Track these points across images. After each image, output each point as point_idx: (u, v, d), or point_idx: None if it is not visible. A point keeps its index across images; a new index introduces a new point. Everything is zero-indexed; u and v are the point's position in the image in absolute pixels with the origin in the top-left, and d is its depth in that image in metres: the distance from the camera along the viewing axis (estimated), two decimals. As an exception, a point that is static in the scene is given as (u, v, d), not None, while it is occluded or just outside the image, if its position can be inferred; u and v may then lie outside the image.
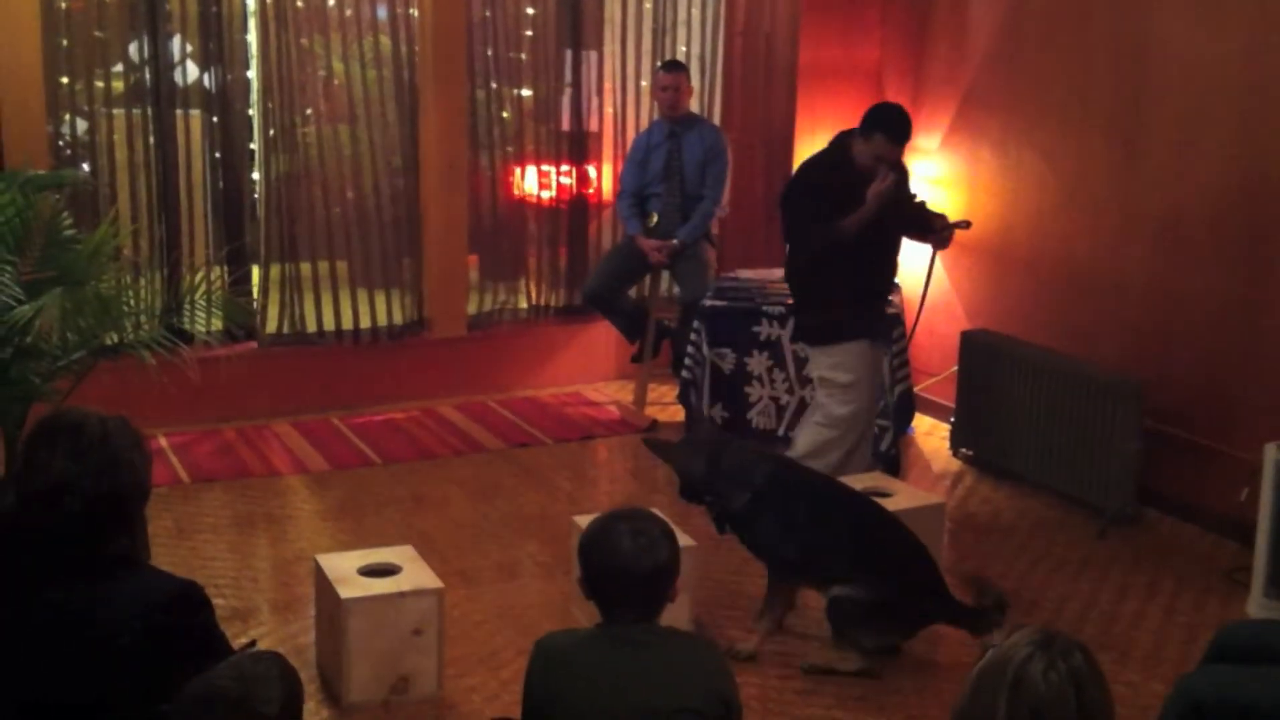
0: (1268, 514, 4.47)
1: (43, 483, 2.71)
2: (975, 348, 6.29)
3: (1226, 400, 5.44)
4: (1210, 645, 3.54)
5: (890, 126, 5.17)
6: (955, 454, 6.42)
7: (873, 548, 4.25)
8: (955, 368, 6.44)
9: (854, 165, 5.20)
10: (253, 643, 4.30)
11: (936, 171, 6.96)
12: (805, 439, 5.40)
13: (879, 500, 4.70)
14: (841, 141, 5.32)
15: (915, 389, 6.49)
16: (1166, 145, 5.65)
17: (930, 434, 6.75)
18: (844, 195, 5.17)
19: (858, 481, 4.96)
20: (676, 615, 3.89)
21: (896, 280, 5.76)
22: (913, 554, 4.28)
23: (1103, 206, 5.97)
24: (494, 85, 7.23)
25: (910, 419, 6.34)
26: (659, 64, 7.14)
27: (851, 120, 6.88)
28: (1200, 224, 5.51)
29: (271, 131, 6.70)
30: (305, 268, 6.93)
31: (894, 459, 5.99)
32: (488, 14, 7.12)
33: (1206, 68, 5.45)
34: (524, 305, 7.48)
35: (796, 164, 7.20)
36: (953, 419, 6.48)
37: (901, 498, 4.93)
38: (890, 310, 5.81)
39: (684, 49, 7.62)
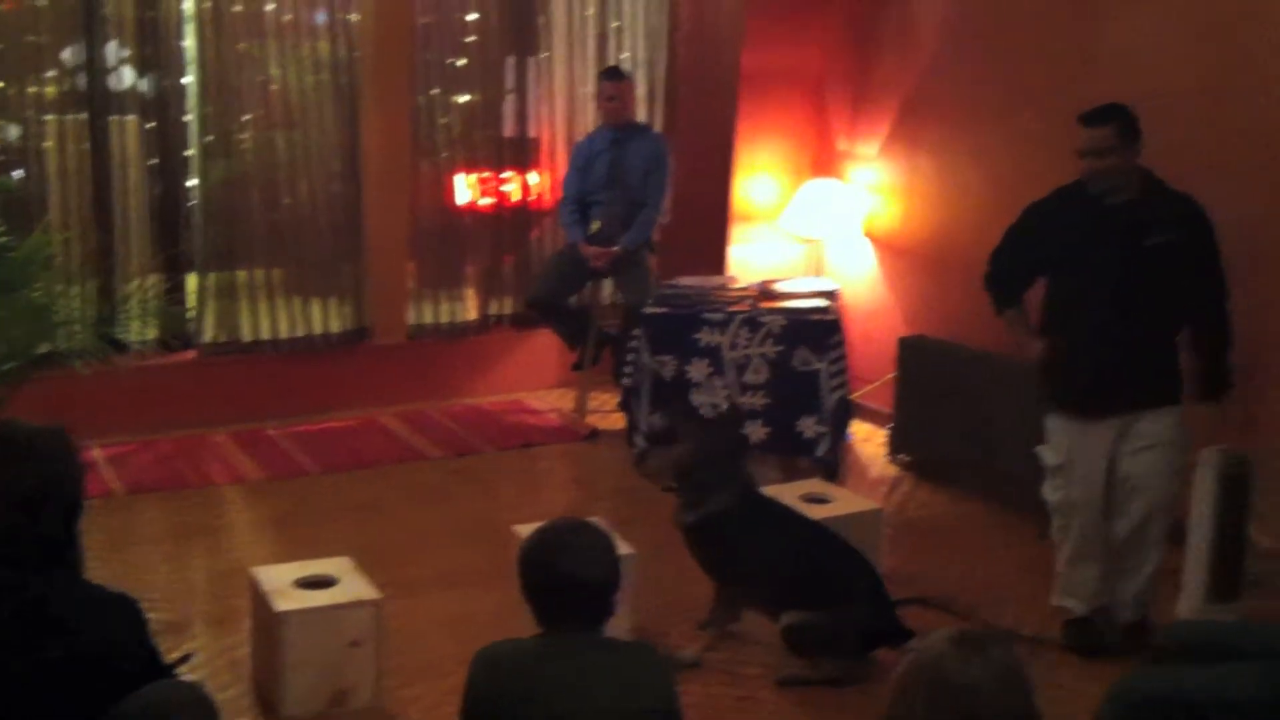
0: (1207, 519, 4.52)
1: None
2: (913, 353, 6.34)
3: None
4: (1156, 643, 3.59)
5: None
6: (893, 459, 6.46)
7: (828, 579, 4.28)
8: (893, 374, 6.49)
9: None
10: (187, 656, 4.24)
11: (875, 178, 7.01)
12: None
13: (817, 507, 4.73)
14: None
15: (853, 395, 6.53)
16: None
17: (868, 440, 6.80)
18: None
19: (796, 488, 4.99)
20: (617, 622, 3.87)
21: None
22: (869, 585, 4.32)
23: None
24: (435, 91, 7.20)
25: (848, 425, 6.38)
26: (602, 71, 7.14)
27: (794, 128, 6.89)
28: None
29: (209, 137, 6.64)
30: (243, 275, 6.86)
31: (832, 465, 6.03)
32: (429, 20, 7.09)
33: (1145, 74, 5.51)
34: (466, 313, 7.45)
35: (738, 169, 7.26)
36: (891, 425, 6.52)
37: (840, 503, 4.96)
38: None
39: (627, 55, 7.63)
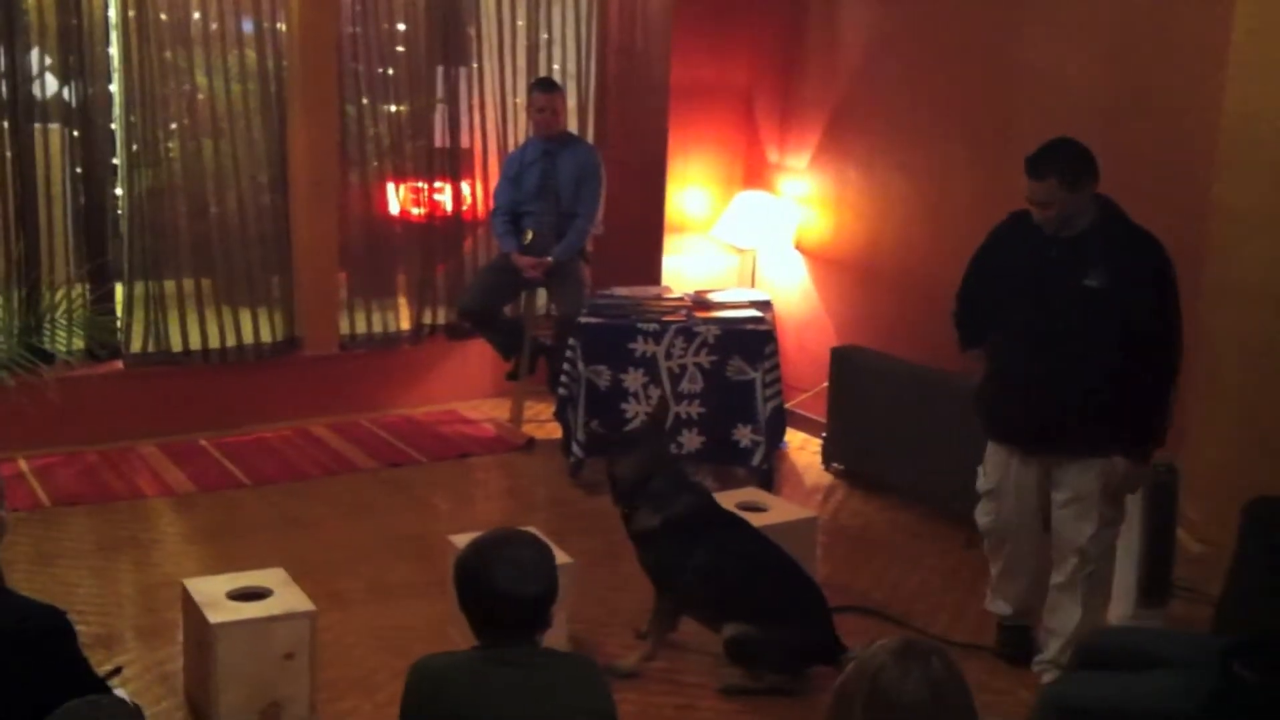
0: (1136, 525, 4.60)
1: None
2: (845, 363, 6.39)
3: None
4: (1077, 653, 3.64)
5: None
6: (827, 468, 6.51)
7: (771, 593, 4.29)
8: (826, 383, 6.54)
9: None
10: (118, 669, 4.19)
11: (805, 191, 7.07)
12: None
13: (752, 515, 4.75)
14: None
15: (787, 405, 6.57)
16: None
17: (803, 449, 6.84)
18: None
19: (732, 496, 5.01)
20: (554, 633, 3.87)
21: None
22: (810, 599, 4.34)
23: (966, 224, 6.07)
24: (365, 101, 7.17)
25: (782, 434, 6.41)
26: (533, 82, 7.14)
27: (725, 140, 6.94)
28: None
29: (135, 146, 6.55)
30: (170, 285, 6.77)
31: (767, 474, 6.06)
32: (357, 29, 7.06)
33: (1069, 86, 5.62)
34: (397, 324, 7.41)
35: (670, 180, 7.29)
36: (824, 434, 6.57)
37: (775, 512, 4.99)
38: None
39: (557, 67, 7.64)
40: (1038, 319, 4.19)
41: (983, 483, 4.52)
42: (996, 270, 4.38)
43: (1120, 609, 4.70)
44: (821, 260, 7.02)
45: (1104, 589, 4.44)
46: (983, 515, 4.54)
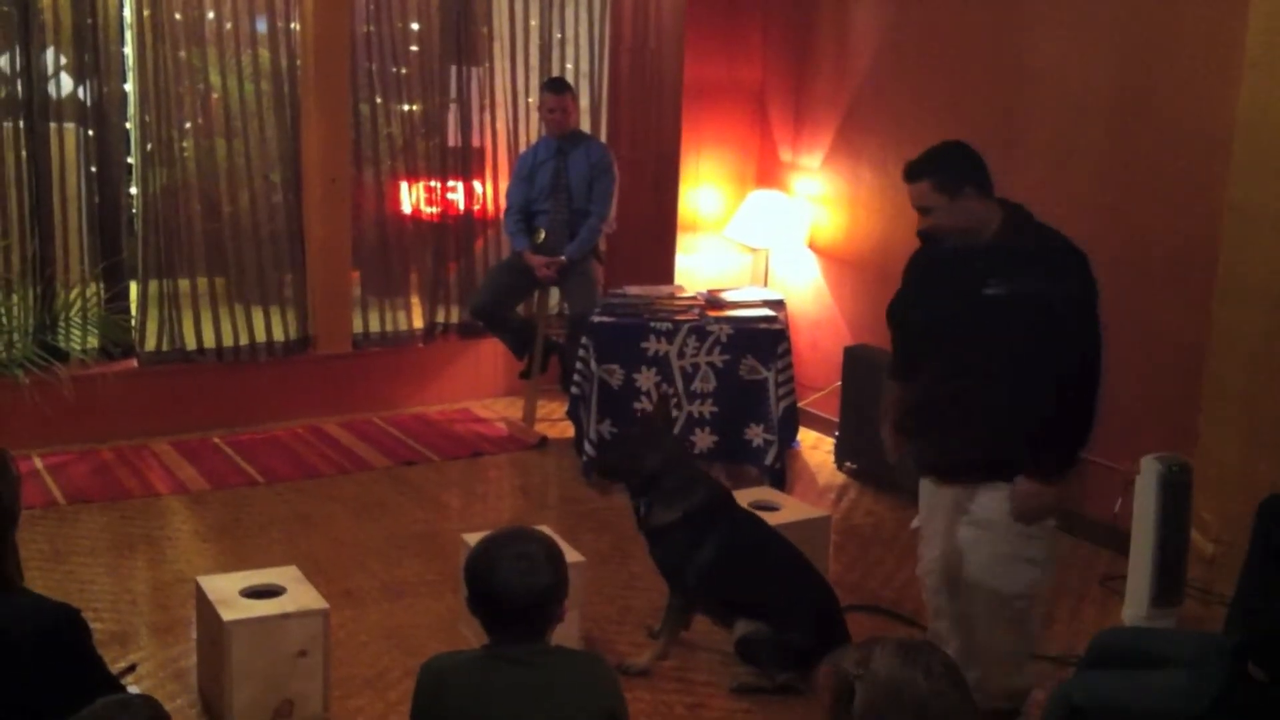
0: (1150, 525, 4.59)
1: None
2: (858, 362, 6.38)
3: (1100, 413, 5.57)
4: (1087, 652, 3.63)
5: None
6: (840, 467, 6.51)
7: (785, 591, 4.29)
8: (839, 382, 6.53)
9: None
10: (133, 666, 4.21)
11: (819, 189, 7.07)
12: None
13: (765, 514, 4.75)
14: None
15: (800, 404, 6.57)
16: (1039, 163, 5.80)
17: (815, 448, 6.84)
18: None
19: (744, 496, 5.01)
20: (566, 632, 3.88)
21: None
22: (823, 599, 4.34)
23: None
24: (378, 100, 7.18)
25: (795, 433, 6.42)
26: (544, 83, 7.14)
27: (738, 139, 6.95)
28: (1074, 237, 5.64)
29: (149, 145, 6.58)
30: (184, 284, 6.80)
31: (780, 473, 6.06)
32: (371, 28, 7.07)
33: (1078, 86, 5.61)
34: (410, 322, 7.43)
35: (682, 179, 7.30)
36: (837, 433, 6.57)
37: (788, 511, 4.98)
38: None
39: (570, 66, 7.65)
40: (940, 335, 3.88)
41: (915, 520, 4.19)
42: (914, 295, 4.04)
43: (1133, 609, 4.69)
44: (835, 259, 7.01)
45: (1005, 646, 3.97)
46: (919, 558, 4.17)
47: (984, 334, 3.76)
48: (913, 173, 3.77)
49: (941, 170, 3.74)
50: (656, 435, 4.59)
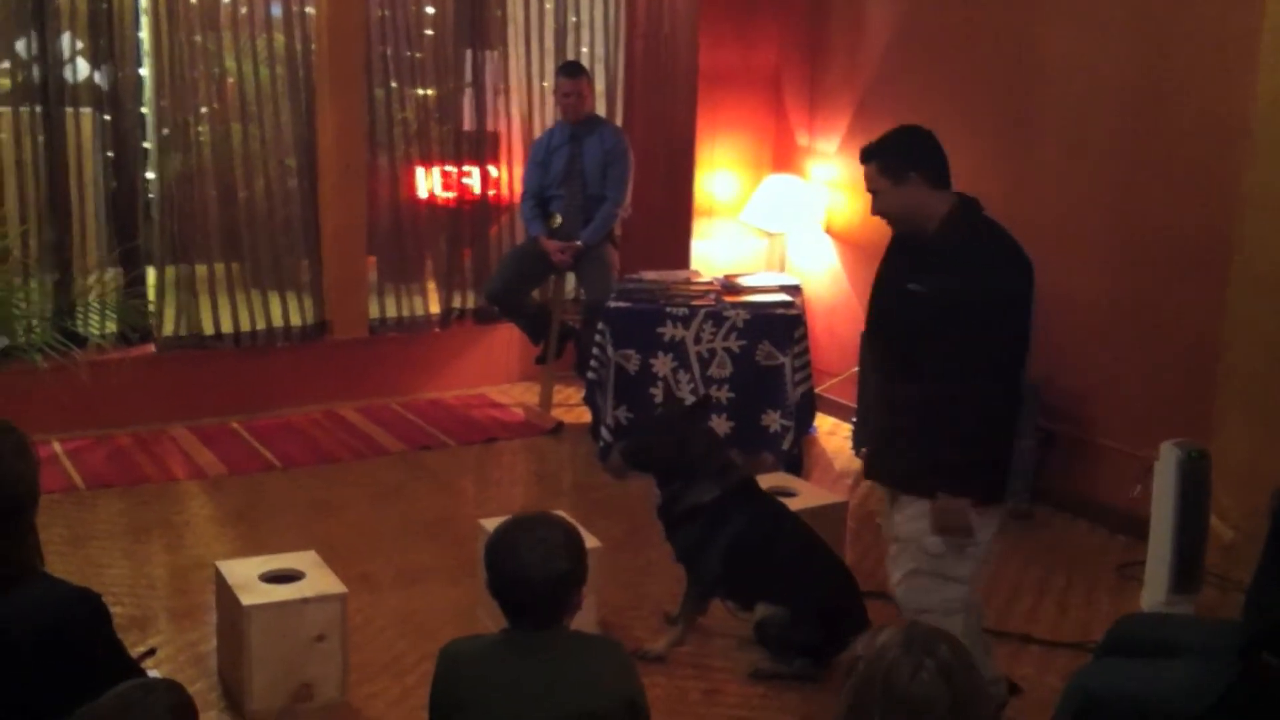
0: (1169, 511, 4.58)
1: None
2: (875, 348, 6.36)
3: (1115, 400, 5.58)
4: (1104, 639, 3.62)
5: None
6: (857, 453, 6.49)
7: (806, 577, 4.29)
8: (856, 368, 6.52)
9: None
10: (152, 650, 4.23)
11: (835, 174, 7.04)
12: None
13: (782, 500, 4.75)
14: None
15: (817, 389, 6.56)
16: (1054, 152, 5.78)
17: (832, 434, 6.83)
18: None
19: (760, 482, 5.00)
20: (583, 618, 3.88)
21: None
22: (843, 585, 4.33)
23: (993, 210, 6.05)
24: (393, 84, 7.18)
25: (812, 419, 6.41)
26: (559, 67, 7.13)
27: (754, 123, 6.91)
28: (1088, 229, 5.65)
29: (165, 130, 6.59)
30: (201, 269, 6.81)
31: (796, 459, 6.05)
32: (386, 12, 7.06)
33: (1093, 76, 5.59)
34: (426, 308, 7.43)
35: (698, 164, 7.28)
36: (854, 418, 6.56)
37: (805, 497, 4.98)
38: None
39: (585, 50, 7.62)
40: (872, 332, 3.84)
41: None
42: (874, 285, 3.91)
43: (1151, 596, 4.68)
44: (851, 244, 6.99)
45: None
46: None
47: (905, 332, 3.64)
48: (863, 154, 3.72)
49: (888, 154, 3.67)
50: (692, 421, 4.58)
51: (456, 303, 7.48)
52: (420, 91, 7.31)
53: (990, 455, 3.59)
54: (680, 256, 7.31)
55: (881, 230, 3.70)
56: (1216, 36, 5.12)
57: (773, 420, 6.06)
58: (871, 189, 3.70)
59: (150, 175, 6.70)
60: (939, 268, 3.57)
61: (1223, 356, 5.08)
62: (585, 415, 6.61)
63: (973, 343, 3.49)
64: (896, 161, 3.64)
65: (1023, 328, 3.59)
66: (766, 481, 5.03)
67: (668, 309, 6.12)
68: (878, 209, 3.72)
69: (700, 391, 6.02)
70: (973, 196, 3.73)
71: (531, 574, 2.81)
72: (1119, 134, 5.50)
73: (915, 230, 3.68)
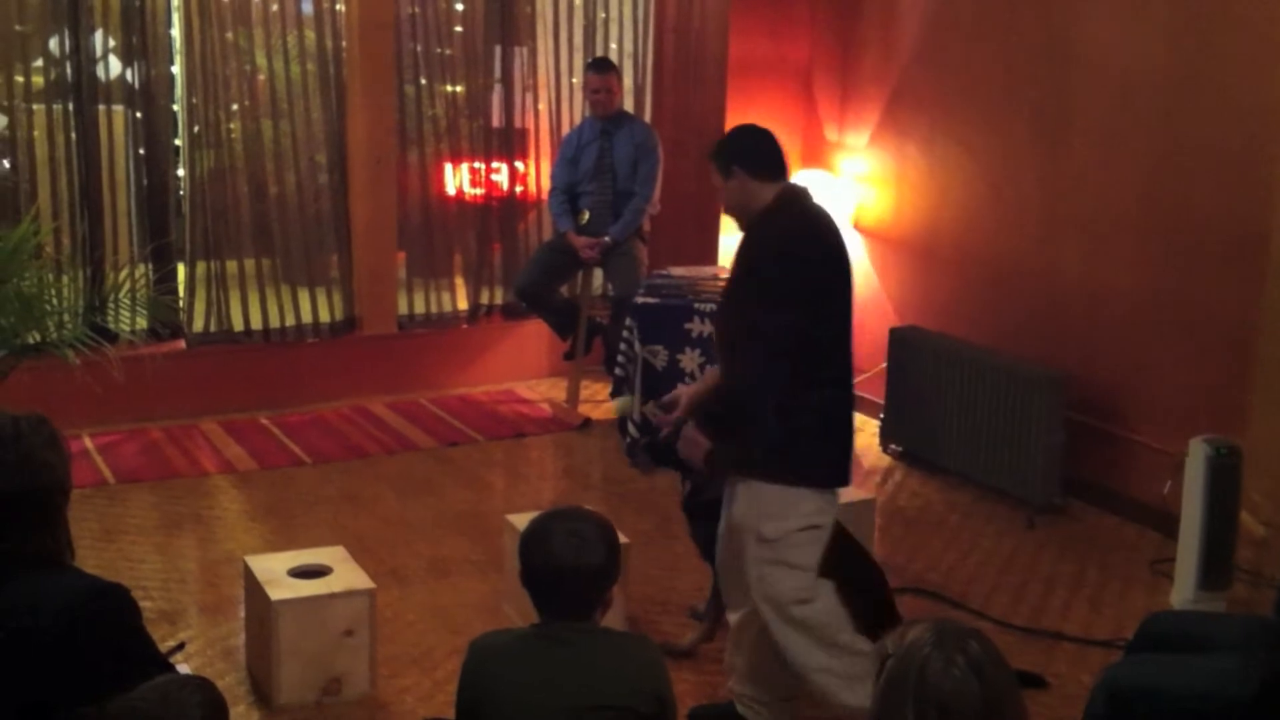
0: (1197, 508, 4.55)
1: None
2: (903, 344, 6.35)
3: (1148, 394, 5.53)
4: (1136, 635, 3.60)
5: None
6: (885, 449, 6.47)
7: (836, 570, 4.27)
8: (884, 364, 6.50)
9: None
10: (182, 644, 4.25)
11: (865, 169, 7.02)
12: None
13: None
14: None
15: (845, 385, 6.53)
16: (1090, 143, 5.74)
17: (860, 430, 6.77)
18: None
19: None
20: (612, 612, 3.87)
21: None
22: (872, 577, 4.31)
23: (1028, 204, 6.04)
24: (423, 81, 7.19)
25: (840, 414, 6.38)
26: (588, 63, 7.13)
27: (783, 118, 6.89)
28: (1123, 220, 5.60)
29: (196, 127, 6.62)
30: (232, 265, 6.84)
31: (824, 454, 6.02)
32: (415, 9, 7.08)
33: (1128, 66, 5.54)
34: (455, 303, 7.44)
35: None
36: (882, 415, 6.53)
37: (833, 493, 4.95)
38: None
39: (614, 45, 7.62)
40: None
41: None
42: None
43: (1181, 592, 4.65)
44: (881, 240, 6.97)
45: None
46: None
47: (717, 320, 3.93)
48: (710, 152, 3.82)
49: (717, 152, 3.78)
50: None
51: (485, 298, 7.49)
52: (449, 88, 7.33)
53: (784, 441, 3.59)
54: (708, 252, 7.29)
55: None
56: (1253, 26, 5.07)
57: (801, 416, 6.03)
58: (716, 186, 3.81)
59: (181, 172, 6.74)
60: (737, 256, 3.73)
61: (1257, 349, 5.03)
62: (612, 411, 6.60)
63: (755, 326, 3.55)
64: (723, 157, 3.75)
65: (813, 310, 3.62)
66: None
67: (695, 305, 6.11)
68: (723, 205, 3.86)
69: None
70: (800, 186, 3.79)
71: (563, 566, 2.82)
72: (1156, 124, 5.45)
73: (747, 222, 3.77)
